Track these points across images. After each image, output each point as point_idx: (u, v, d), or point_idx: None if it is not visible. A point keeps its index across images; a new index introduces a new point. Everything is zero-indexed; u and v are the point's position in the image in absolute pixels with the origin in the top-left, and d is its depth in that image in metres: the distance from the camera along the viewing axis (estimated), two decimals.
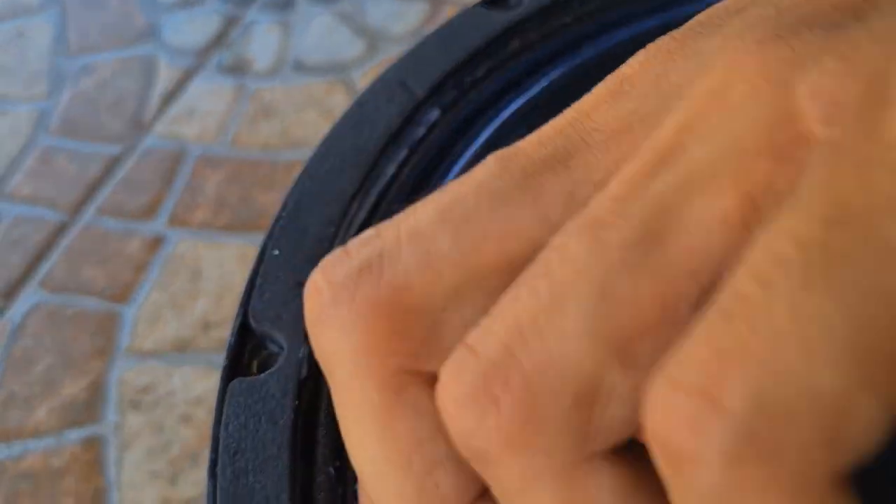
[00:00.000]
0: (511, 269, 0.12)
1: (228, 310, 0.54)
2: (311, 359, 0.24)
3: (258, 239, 0.56)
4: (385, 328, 0.12)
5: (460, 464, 0.12)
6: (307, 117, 0.61)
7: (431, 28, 0.66)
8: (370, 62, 0.65)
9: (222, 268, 0.55)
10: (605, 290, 0.10)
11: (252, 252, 0.57)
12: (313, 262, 0.27)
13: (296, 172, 0.60)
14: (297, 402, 0.23)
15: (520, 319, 0.11)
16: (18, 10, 0.72)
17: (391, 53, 0.64)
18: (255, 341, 0.26)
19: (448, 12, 0.65)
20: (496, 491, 0.12)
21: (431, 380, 0.12)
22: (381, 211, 0.27)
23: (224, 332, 0.52)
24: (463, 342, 0.11)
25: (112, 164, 0.61)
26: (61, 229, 0.59)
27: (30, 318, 0.55)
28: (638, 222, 0.11)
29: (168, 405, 0.50)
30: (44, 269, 0.57)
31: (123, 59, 0.68)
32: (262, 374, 0.24)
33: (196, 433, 0.49)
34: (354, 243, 0.14)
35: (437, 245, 0.12)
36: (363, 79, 0.63)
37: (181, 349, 0.53)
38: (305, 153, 0.60)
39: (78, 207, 0.60)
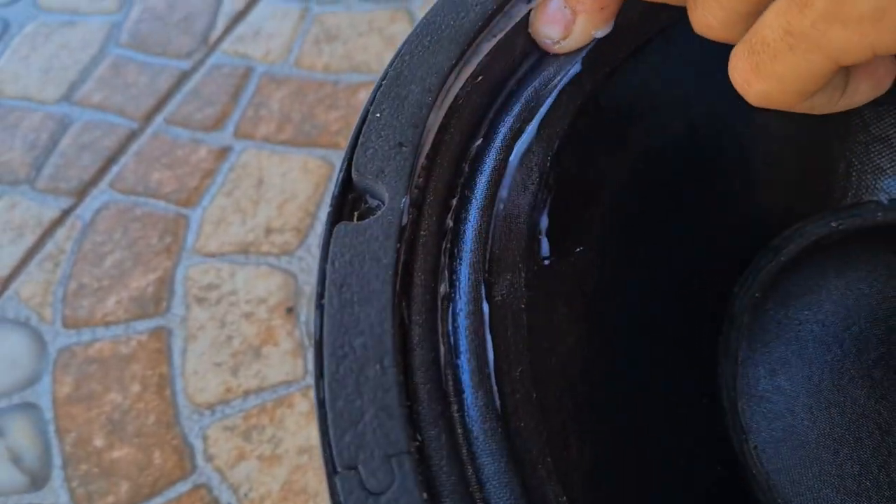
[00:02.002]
0: None
1: (290, 216, 0.56)
2: (410, 210, 0.26)
3: (320, 153, 0.58)
4: None
5: None
6: (369, 42, 0.63)
7: None
8: None
9: (285, 177, 0.57)
10: None
11: (314, 164, 0.59)
12: (413, 125, 0.29)
13: (357, 95, 0.62)
14: (398, 246, 0.25)
15: None
16: None
17: None
18: (356, 194, 0.27)
19: None
20: None
21: None
22: (473, 91, 0.29)
23: (285, 238, 0.54)
24: None
25: (181, 78, 0.63)
26: (131, 136, 0.61)
27: (100, 216, 0.57)
28: None
29: (230, 302, 0.53)
30: (114, 171, 0.59)
31: None
32: (366, 220, 0.26)
33: (257, 329, 0.51)
34: None
35: None
36: (421, 9, 0.64)
37: (244, 251, 0.55)
38: (367, 77, 0.62)
39: (147, 116, 0.62)
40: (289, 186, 0.56)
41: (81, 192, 0.59)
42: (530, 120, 0.29)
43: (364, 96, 0.60)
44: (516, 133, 0.29)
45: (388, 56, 0.63)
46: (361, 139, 0.27)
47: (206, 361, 0.51)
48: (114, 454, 0.48)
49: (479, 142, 0.29)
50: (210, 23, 0.66)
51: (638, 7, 0.30)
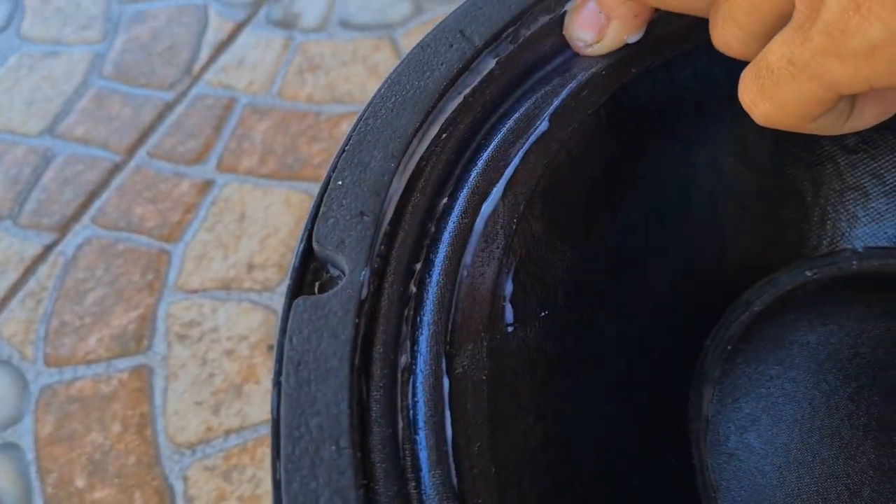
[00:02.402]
0: None
1: (271, 251, 0.56)
2: (370, 282, 0.26)
3: (303, 186, 0.58)
4: None
5: None
6: (352, 72, 0.63)
7: None
8: (414, 22, 0.66)
9: (267, 211, 0.57)
10: None
11: (296, 198, 0.59)
12: (375, 193, 0.29)
13: (339, 126, 0.62)
14: (357, 321, 0.25)
15: None
16: None
17: (436, 14, 0.65)
18: (318, 264, 0.27)
19: None
20: None
21: None
22: (438, 152, 0.28)
23: (267, 274, 0.54)
24: None
25: (164, 110, 0.63)
26: (113, 170, 0.61)
27: (82, 252, 0.57)
28: None
29: (212, 339, 0.52)
30: (96, 205, 0.59)
31: (176, 7, 0.69)
32: (325, 294, 0.26)
33: (238, 367, 0.51)
34: None
35: None
36: (405, 38, 0.64)
37: (226, 287, 0.55)
38: (350, 107, 0.62)
39: (130, 149, 0.62)
40: (271, 221, 0.56)
41: (64, 228, 0.59)
42: (497, 181, 0.29)
43: (347, 127, 0.59)
44: (482, 195, 0.28)
45: (372, 86, 0.63)
46: (323, 208, 0.27)
47: (187, 400, 0.51)
48: (95, 495, 0.48)
49: (445, 200, 0.28)
50: (194, 52, 0.66)
51: (607, 60, 0.30)
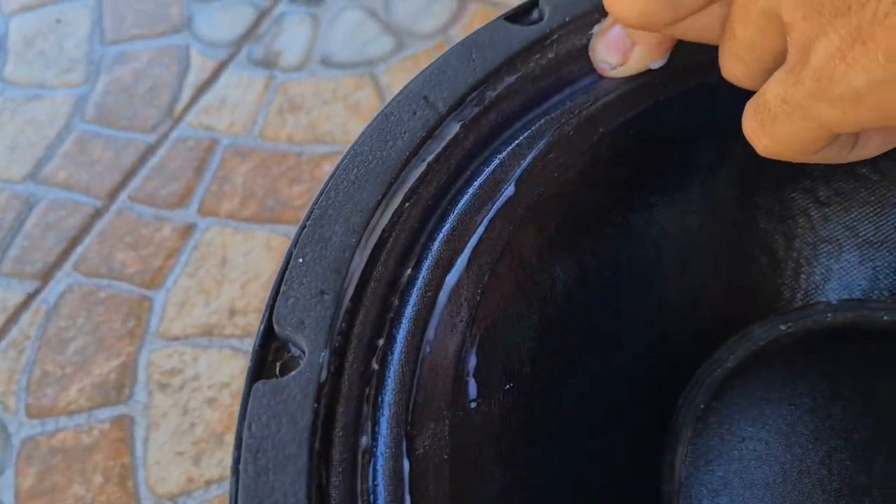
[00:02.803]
0: None
1: (252, 297, 0.56)
2: (330, 363, 0.25)
3: (283, 229, 0.58)
4: None
5: None
6: (333, 111, 0.63)
7: (457, 27, 0.67)
8: (395, 58, 0.66)
9: (248, 256, 0.57)
10: None
11: (277, 242, 0.59)
12: (336, 271, 0.29)
13: (321, 167, 0.62)
14: (315, 405, 0.25)
15: None
16: None
17: (417, 49, 0.65)
18: (279, 344, 0.27)
19: (474, 10, 0.66)
20: None
21: None
22: (402, 222, 0.28)
23: (248, 319, 0.54)
24: None
25: (146, 153, 0.63)
26: (95, 215, 0.61)
27: (64, 300, 0.57)
28: None
29: (193, 388, 0.52)
30: (78, 252, 0.59)
31: (158, 48, 0.70)
32: (285, 377, 0.26)
33: (220, 416, 0.51)
34: None
35: None
36: (386, 74, 0.64)
37: (207, 334, 0.55)
38: (330, 148, 0.62)
39: (112, 194, 0.62)
40: (252, 265, 0.56)
41: (46, 275, 0.59)
42: (462, 250, 0.29)
43: (328, 168, 0.60)
44: (446, 266, 0.28)
45: (353, 125, 0.63)
46: (283, 287, 0.27)
47: (168, 450, 0.50)
48: None
49: (409, 271, 0.28)
50: (175, 93, 0.66)
51: (576, 120, 0.30)
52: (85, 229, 0.60)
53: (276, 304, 0.26)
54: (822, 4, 0.18)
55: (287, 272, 0.27)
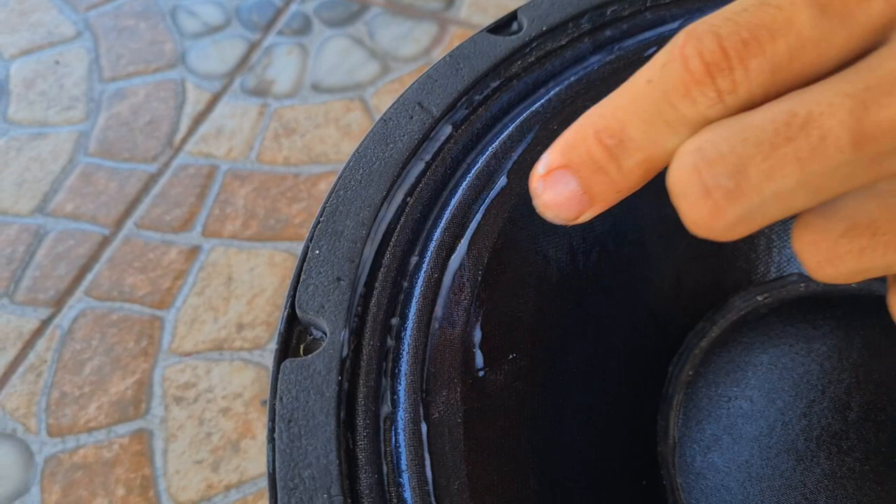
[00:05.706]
0: None
1: (259, 311, 0.58)
2: (349, 341, 0.28)
3: (285, 246, 0.61)
4: None
5: None
6: (326, 133, 0.66)
7: (439, 49, 0.71)
8: (382, 81, 0.69)
9: (252, 273, 0.60)
10: None
11: (280, 258, 0.61)
12: (350, 259, 0.31)
13: (317, 186, 0.64)
14: (339, 378, 0.27)
15: None
16: (55, 39, 0.77)
17: (403, 73, 0.69)
18: (301, 328, 0.30)
19: (455, 32, 0.70)
20: None
21: None
22: (406, 215, 0.31)
23: (256, 332, 0.56)
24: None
25: (149, 181, 0.66)
26: (104, 242, 0.63)
27: (77, 324, 0.59)
28: None
29: (208, 399, 0.55)
30: (88, 278, 0.61)
31: (154, 83, 0.72)
32: (310, 355, 0.28)
33: (234, 424, 0.53)
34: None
35: None
36: (374, 97, 0.67)
37: (218, 348, 0.57)
38: (326, 167, 0.64)
39: (118, 222, 0.64)
40: (257, 282, 0.58)
41: (59, 302, 0.61)
42: (462, 236, 0.31)
43: (324, 187, 0.62)
44: (449, 250, 0.31)
45: (345, 145, 0.66)
46: (303, 276, 0.29)
47: (186, 460, 0.52)
48: None
49: (415, 258, 0.31)
50: (174, 125, 0.69)
51: (561, 116, 0.33)
52: (94, 256, 0.62)
53: (298, 292, 0.29)
54: None
55: (305, 263, 0.29)
